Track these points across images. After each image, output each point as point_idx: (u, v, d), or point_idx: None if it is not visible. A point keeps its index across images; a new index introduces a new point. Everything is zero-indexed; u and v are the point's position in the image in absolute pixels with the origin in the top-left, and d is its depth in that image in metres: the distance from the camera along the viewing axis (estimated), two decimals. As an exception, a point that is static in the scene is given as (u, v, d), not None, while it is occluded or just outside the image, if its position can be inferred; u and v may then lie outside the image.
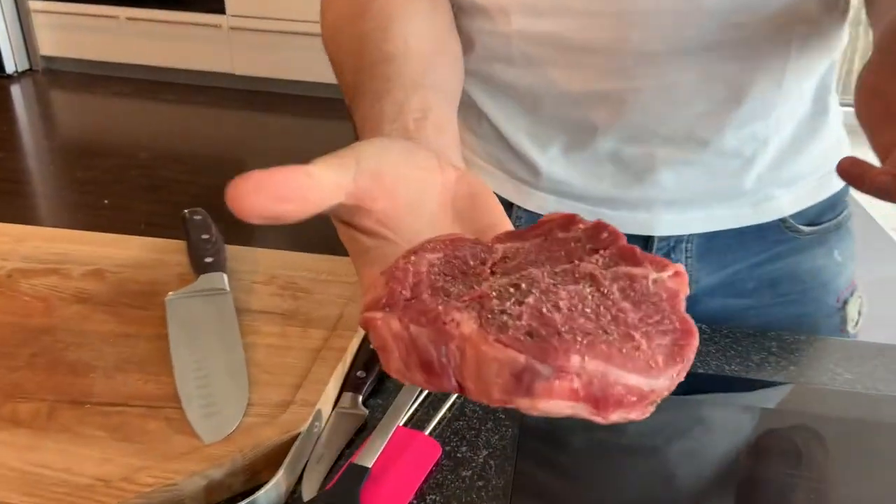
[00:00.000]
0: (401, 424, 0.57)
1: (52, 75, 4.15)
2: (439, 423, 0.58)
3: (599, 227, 0.35)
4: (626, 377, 0.28)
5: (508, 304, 0.29)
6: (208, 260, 0.67)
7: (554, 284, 0.31)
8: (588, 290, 0.31)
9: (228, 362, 0.57)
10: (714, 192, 0.68)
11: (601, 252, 0.34)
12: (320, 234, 0.74)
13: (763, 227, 0.70)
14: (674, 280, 0.33)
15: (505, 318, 0.29)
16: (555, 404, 0.28)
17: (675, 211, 0.68)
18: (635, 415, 0.29)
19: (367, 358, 0.61)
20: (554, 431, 0.58)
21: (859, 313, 0.78)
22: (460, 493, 0.52)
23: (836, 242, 0.75)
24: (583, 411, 0.28)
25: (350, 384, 0.59)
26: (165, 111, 3.83)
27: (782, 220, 0.71)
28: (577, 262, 0.33)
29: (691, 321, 0.31)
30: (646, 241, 0.70)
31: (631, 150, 0.66)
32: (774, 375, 0.64)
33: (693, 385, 0.64)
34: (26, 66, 4.11)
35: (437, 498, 0.51)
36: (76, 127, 3.77)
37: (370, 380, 0.60)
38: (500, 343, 0.28)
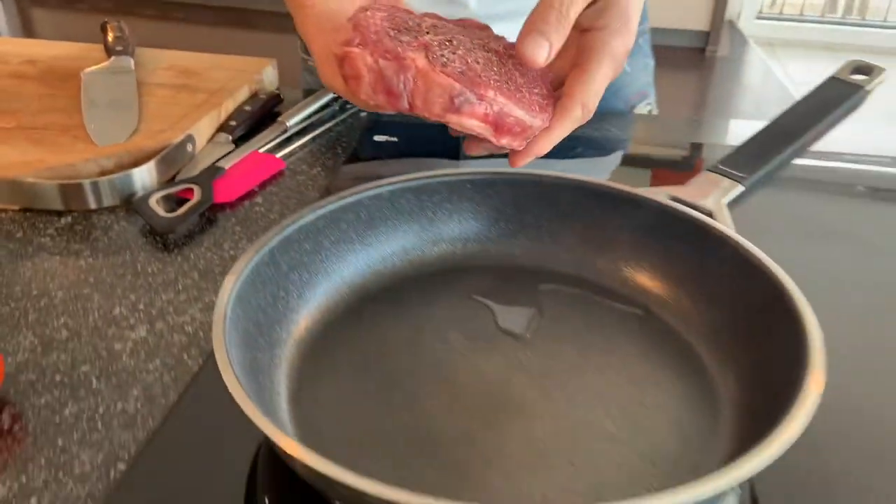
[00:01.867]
0: (259, 150, 0.75)
1: (33, -6, 4.24)
2: (290, 153, 0.76)
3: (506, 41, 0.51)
4: (517, 112, 0.43)
5: (446, 52, 0.43)
6: (119, 48, 0.84)
7: (472, 49, 0.46)
8: (494, 58, 0.46)
9: (125, 107, 0.74)
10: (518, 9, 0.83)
11: (503, 43, 0.49)
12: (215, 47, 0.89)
13: None
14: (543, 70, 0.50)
15: (445, 59, 0.43)
16: (472, 122, 0.42)
17: None
18: (518, 143, 0.45)
19: (240, 116, 0.79)
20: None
21: (649, 114, 0.94)
22: (293, 186, 0.70)
23: None
24: (486, 132, 0.43)
25: (224, 128, 0.77)
26: (144, 27, 3.93)
27: None
28: (487, 41, 0.48)
29: (552, 92, 0.48)
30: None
31: None
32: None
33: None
34: (7, -14, 4.20)
35: (274, 189, 0.69)
36: (58, 45, 3.87)
37: (241, 128, 0.77)
38: (444, 74, 0.42)
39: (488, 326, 0.51)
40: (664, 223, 0.52)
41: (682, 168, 0.76)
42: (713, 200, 0.52)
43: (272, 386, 0.44)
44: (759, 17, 4.12)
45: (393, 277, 0.54)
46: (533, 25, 0.44)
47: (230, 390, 0.36)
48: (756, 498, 0.41)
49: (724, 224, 0.50)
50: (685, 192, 0.53)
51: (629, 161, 0.78)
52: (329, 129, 0.81)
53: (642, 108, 0.95)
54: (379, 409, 0.44)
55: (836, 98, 0.60)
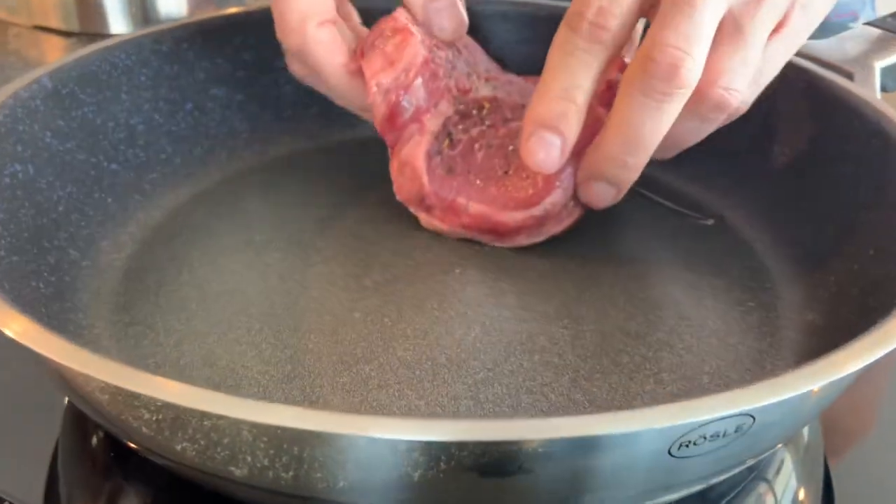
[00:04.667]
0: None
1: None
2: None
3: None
4: (510, 215, 0.30)
5: (459, 128, 0.32)
6: None
7: (507, 119, 0.33)
8: None
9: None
10: None
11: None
12: None
13: None
14: None
15: (446, 144, 0.32)
16: (449, 229, 0.31)
17: None
18: (550, 228, 0.30)
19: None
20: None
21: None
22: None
23: None
24: (483, 237, 0.31)
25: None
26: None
27: None
28: None
29: None
30: None
31: None
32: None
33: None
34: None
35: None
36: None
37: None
38: (423, 164, 0.31)
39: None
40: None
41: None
42: (859, 59, 0.32)
43: (98, 265, 0.31)
44: None
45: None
46: (533, 114, 0.27)
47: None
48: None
49: (867, 90, 0.30)
50: (819, 47, 0.33)
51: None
52: None
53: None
54: (244, 301, 0.30)
55: None
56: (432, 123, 0.31)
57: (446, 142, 0.32)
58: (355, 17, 0.35)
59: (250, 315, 0.27)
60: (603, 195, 0.29)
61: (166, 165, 0.34)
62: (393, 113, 0.31)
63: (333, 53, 0.30)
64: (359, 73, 0.30)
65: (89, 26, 0.57)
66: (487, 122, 0.32)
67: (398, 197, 0.32)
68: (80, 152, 0.30)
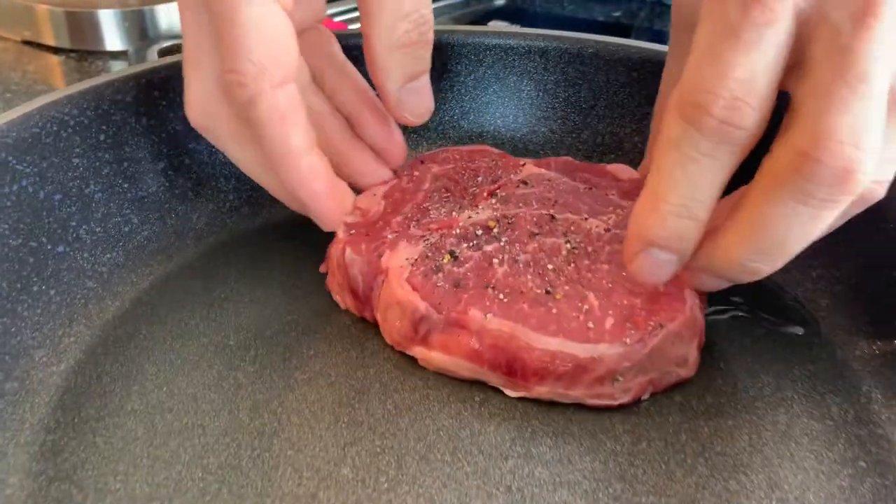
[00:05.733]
0: (334, 20, 0.56)
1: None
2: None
3: None
4: (544, 340, 0.23)
5: (465, 245, 0.26)
6: None
7: (533, 234, 0.27)
8: (570, 244, 0.26)
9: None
10: None
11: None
12: None
13: None
14: None
15: (446, 260, 0.25)
16: (452, 361, 0.24)
17: None
18: (580, 392, 0.23)
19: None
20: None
21: None
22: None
23: None
24: (493, 378, 0.24)
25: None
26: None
27: None
28: (586, 217, 0.28)
29: (688, 291, 0.24)
30: None
31: None
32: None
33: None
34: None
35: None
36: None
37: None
38: (409, 285, 0.24)
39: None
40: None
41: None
42: None
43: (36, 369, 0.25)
44: None
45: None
46: (642, 229, 0.21)
47: None
48: None
49: None
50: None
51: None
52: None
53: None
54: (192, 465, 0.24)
55: None
56: (403, 254, 0.25)
57: (446, 258, 0.25)
58: (335, 45, 0.29)
59: (207, 468, 0.21)
60: (716, 286, 0.24)
61: (130, 240, 0.28)
62: (355, 302, 0.27)
63: (290, 131, 0.24)
64: (314, 169, 0.25)
65: (81, 42, 0.51)
66: (504, 239, 0.26)
67: (389, 341, 0.26)
68: (14, 236, 0.25)
